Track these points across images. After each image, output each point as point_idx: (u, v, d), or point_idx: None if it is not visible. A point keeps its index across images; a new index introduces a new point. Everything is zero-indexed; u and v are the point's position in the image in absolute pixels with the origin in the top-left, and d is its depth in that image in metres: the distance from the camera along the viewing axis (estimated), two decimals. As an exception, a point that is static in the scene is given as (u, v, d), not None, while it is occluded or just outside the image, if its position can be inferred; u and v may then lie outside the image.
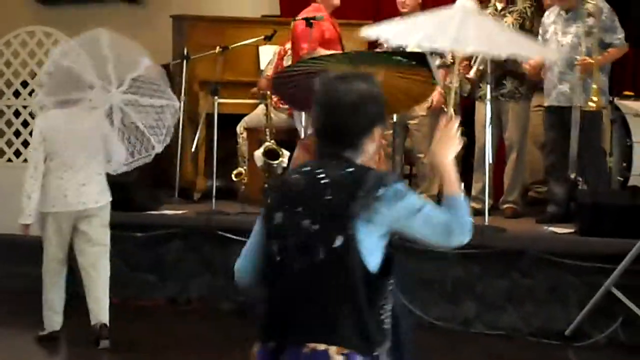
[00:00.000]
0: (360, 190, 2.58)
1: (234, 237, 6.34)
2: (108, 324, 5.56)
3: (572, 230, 6.02)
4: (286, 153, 6.70)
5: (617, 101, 6.64)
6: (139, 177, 6.89)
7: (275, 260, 2.66)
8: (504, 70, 6.70)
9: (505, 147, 6.92)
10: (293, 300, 2.63)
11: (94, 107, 5.52)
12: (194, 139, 7.18)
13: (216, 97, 6.72)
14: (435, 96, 6.81)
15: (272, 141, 6.77)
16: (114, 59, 5.54)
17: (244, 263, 2.84)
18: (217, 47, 7.19)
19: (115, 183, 6.95)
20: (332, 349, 2.57)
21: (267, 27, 7.53)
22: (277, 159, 6.68)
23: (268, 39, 7.40)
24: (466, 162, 7.51)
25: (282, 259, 2.66)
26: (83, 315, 5.62)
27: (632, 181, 6.53)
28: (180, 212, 6.80)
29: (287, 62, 7.21)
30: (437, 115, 6.98)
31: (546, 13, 6.55)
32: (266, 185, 2.77)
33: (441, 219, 2.66)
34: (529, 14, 6.81)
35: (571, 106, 6.21)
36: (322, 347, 2.58)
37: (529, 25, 6.78)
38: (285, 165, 6.71)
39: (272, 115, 7.02)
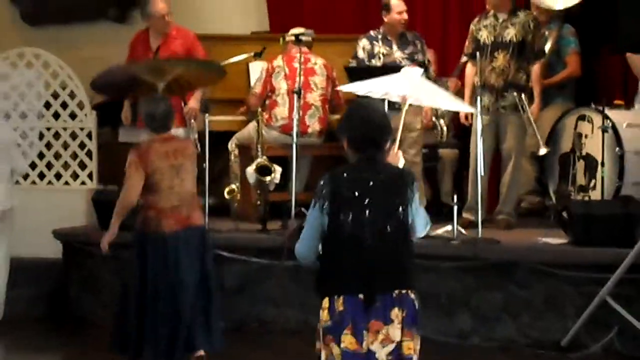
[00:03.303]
0: (407, 181, 3.64)
1: (228, 254, 6.33)
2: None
3: (565, 241, 6.02)
4: (278, 169, 6.69)
5: (608, 110, 6.65)
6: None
7: (350, 234, 3.55)
8: (506, 82, 6.72)
9: (503, 158, 6.91)
10: (373, 261, 3.54)
11: None
12: (185, 158, 7.14)
13: (207, 115, 6.70)
14: (428, 114, 7.14)
15: (264, 157, 6.76)
16: None
17: (306, 247, 3.70)
18: (207, 65, 7.18)
19: (106, 203, 6.94)
20: (410, 291, 3.58)
21: (257, 44, 7.53)
22: (269, 175, 6.67)
23: (258, 56, 7.41)
24: (460, 173, 7.54)
25: (358, 233, 3.54)
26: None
27: (624, 190, 6.54)
28: (172, 230, 6.77)
29: (276, 78, 7.23)
30: (429, 130, 7.43)
31: None
32: (322, 182, 3.64)
33: (425, 215, 3.76)
34: (531, 27, 6.78)
35: None
36: (404, 291, 3.57)
37: (531, 40, 6.78)
38: (277, 181, 6.71)
39: (264, 131, 7.02)
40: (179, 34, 7.04)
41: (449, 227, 6.24)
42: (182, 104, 6.82)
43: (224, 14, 8.69)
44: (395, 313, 3.54)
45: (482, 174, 6.30)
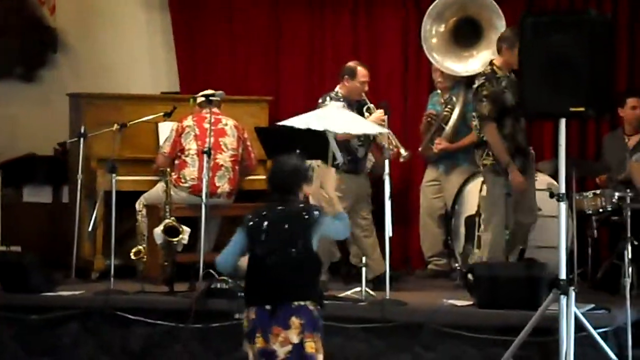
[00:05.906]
0: (311, 213, 4.61)
1: (133, 317, 6.22)
2: None
3: (471, 303, 6.09)
4: (186, 230, 6.64)
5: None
6: (34, 257, 6.72)
7: (264, 256, 4.53)
8: (527, 143, 6.63)
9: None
10: (281, 277, 4.51)
11: None
12: (91, 218, 7.06)
13: (114, 175, 6.63)
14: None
15: (172, 218, 6.71)
16: None
17: (227, 259, 4.69)
18: (115, 125, 7.14)
19: (9, 264, 6.77)
20: (309, 303, 4.51)
21: (167, 104, 7.53)
22: (177, 236, 6.61)
23: (167, 116, 7.40)
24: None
25: (270, 255, 4.53)
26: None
27: (528, 253, 6.67)
28: (77, 292, 6.64)
29: (186, 138, 7.21)
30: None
31: None
32: (248, 214, 4.67)
33: (340, 224, 4.83)
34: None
35: None
36: (302, 303, 4.50)
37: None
38: (185, 242, 6.65)
39: (172, 192, 6.97)
40: None
41: (357, 289, 6.27)
42: None
43: (135, 73, 8.66)
44: (293, 320, 4.47)
45: (391, 234, 6.21)
